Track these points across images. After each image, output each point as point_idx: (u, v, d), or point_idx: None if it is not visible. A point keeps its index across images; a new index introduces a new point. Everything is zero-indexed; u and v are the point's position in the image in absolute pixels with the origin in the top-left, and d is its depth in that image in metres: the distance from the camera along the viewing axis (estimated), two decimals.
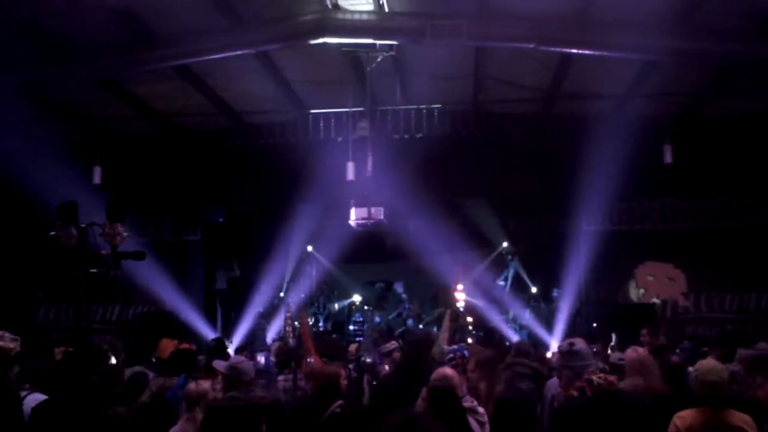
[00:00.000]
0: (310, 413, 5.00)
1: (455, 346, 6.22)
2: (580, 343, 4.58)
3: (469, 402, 4.83)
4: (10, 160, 11.17)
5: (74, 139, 12.39)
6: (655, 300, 13.55)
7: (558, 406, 4.50)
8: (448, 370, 4.92)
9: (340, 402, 5.03)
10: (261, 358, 8.03)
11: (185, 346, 7.59)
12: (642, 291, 13.86)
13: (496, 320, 14.17)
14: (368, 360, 8.14)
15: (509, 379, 6.56)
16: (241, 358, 6.24)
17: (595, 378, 4.27)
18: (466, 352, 5.95)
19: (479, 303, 14.38)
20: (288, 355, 8.50)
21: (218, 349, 9.22)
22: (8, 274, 13.62)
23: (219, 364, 6.08)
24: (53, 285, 13.83)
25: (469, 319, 13.41)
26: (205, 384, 5.21)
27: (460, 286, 13.06)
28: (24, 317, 14.43)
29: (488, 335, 13.06)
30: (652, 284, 13.79)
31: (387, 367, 7.62)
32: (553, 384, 5.61)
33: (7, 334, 5.08)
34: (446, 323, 9.13)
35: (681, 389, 5.14)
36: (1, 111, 10.74)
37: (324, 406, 4.96)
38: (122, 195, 10.46)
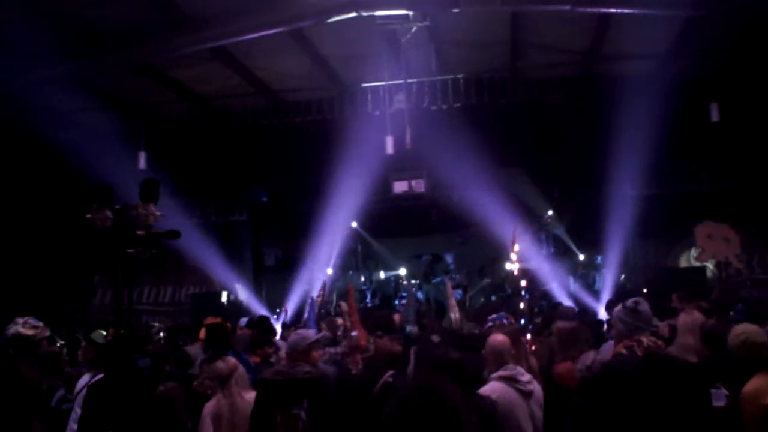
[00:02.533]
0: (361, 386, 5.02)
1: (494, 315, 6.20)
2: (644, 305, 4.52)
3: (510, 370, 4.83)
4: (62, 150, 11.49)
5: (120, 126, 12.65)
6: (708, 264, 13.29)
7: (606, 362, 4.46)
8: (500, 337, 4.96)
9: (391, 372, 5.07)
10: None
11: (214, 321, 7.73)
12: (699, 251, 13.61)
13: (550, 285, 14.07)
14: (413, 329, 8.18)
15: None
16: (300, 331, 6.31)
17: (645, 339, 4.22)
18: (505, 320, 5.96)
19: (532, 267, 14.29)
20: (334, 330, 8.63)
21: (262, 326, 9.36)
22: (67, 260, 14.05)
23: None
24: (108, 269, 14.22)
25: (523, 283, 13.32)
26: (232, 360, 5.32)
27: (516, 248, 12.90)
28: (82, 301, 14.95)
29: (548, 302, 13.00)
30: (709, 244, 13.52)
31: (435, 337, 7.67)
32: (606, 349, 5.60)
33: (31, 320, 5.24)
34: (448, 291, 9.22)
35: (722, 352, 5.04)
36: (49, 102, 11.06)
37: (375, 377, 4.97)
38: (163, 177, 10.64)
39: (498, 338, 4.98)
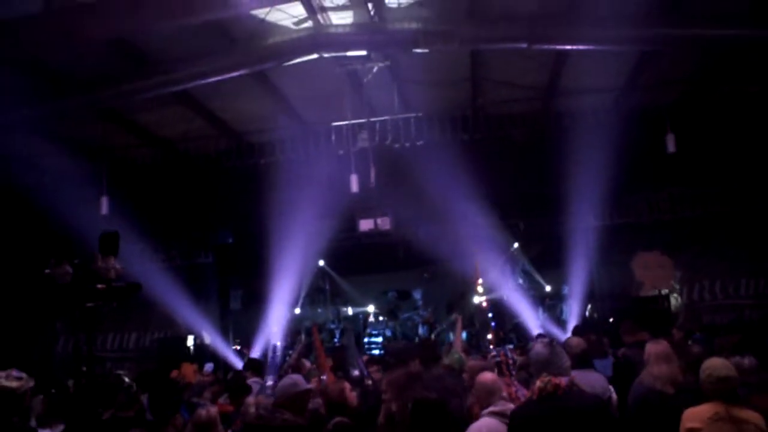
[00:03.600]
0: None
1: (498, 348, 6.24)
2: (539, 347, 4.58)
3: (501, 406, 4.82)
4: (24, 195, 11.33)
5: (83, 171, 12.51)
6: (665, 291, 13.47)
7: (512, 411, 4.53)
8: (489, 375, 4.95)
9: (336, 420, 5.02)
10: (269, 381, 7.95)
11: (189, 367, 7.60)
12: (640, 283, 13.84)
13: (520, 316, 14.15)
14: (355, 373, 8.12)
15: (524, 380, 6.56)
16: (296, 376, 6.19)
17: (538, 382, 4.28)
18: (509, 352, 5.96)
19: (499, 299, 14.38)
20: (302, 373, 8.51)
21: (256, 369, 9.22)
22: (30, 307, 13.73)
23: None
24: (68, 318, 13.94)
25: (490, 315, 13.42)
26: (213, 409, 5.23)
27: (480, 281, 12.95)
28: (44, 349, 14.58)
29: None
30: (647, 275, 13.75)
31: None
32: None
33: (14, 372, 5.05)
34: (458, 329, 9.15)
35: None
36: (10, 147, 10.90)
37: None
38: (128, 221, 10.55)
39: (487, 376, 4.99)
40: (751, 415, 4.53)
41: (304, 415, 5.09)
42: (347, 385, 5.49)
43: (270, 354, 9.95)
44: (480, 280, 12.76)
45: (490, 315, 13.36)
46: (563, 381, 4.26)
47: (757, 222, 13.09)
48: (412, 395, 4.58)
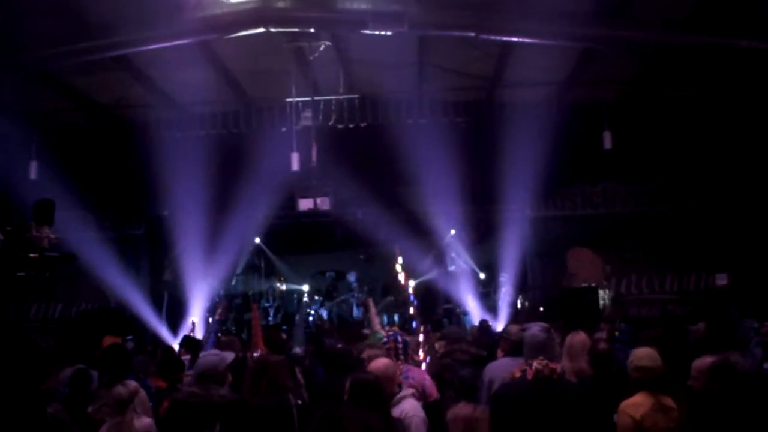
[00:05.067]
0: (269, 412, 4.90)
1: (391, 332, 6.24)
2: (537, 330, 4.68)
3: (405, 390, 4.88)
4: None
5: (12, 134, 12.03)
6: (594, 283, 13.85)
7: (497, 388, 4.60)
8: (382, 360, 4.96)
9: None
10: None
11: (113, 340, 7.39)
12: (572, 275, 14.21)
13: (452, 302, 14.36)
14: (298, 351, 8.10)
15: (449, 366, 6.66)
16: (214, 352, 6.08)
17: (535, 363, 4.36)
18: (400, 337, 5.99)
19: (429, 288, 14.53)
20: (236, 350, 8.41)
21: (193, 348, 9.03)
22: None
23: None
24: None
25: (410, 290, 13.56)
26: (132, 384, 5.13)
27: (400, 260, 13.04)
28: None
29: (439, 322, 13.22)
30: (579, 269, 14.12)
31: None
32: (491, 368, 5.69)
33: None
34: (372, 309, 9.27)
35: (606, 374, 5.27)
36: None
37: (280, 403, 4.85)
38: (58, 188, 10.22)
39: (379, 363, 4.94)
40: (671, 402, 4.71)
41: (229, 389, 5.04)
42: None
43: (204, 329, 9.80)
44: (399, 265, 12.87)
45: (412, 299, 13.50)
46: (559, 366, 4.37)
47: (684, 221, 13.58)
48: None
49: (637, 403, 4.65)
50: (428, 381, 5.70)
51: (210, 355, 5.43)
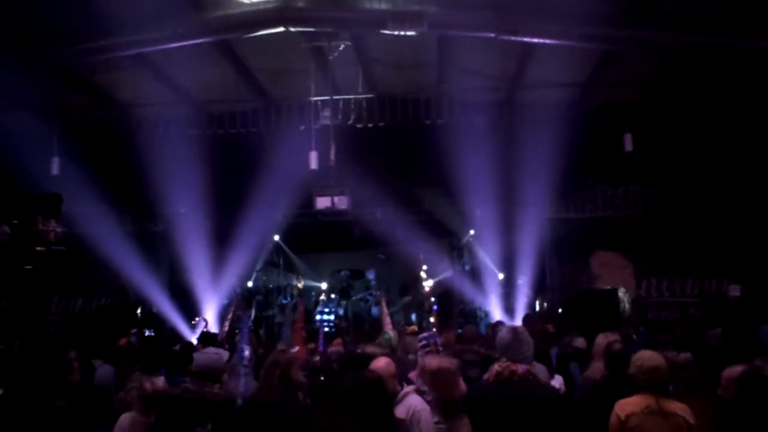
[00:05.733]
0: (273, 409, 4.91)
1: (427, 334, 6.20)
2: (505, 332, 4.64)
3: (407, 387, 4.86)
4: None
5: (34, 131, 12.16)
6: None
7: (467, 391, 4.59)
8: (382, 360, 4.93)
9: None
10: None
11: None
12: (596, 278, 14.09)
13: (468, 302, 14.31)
14: (316, 358, 8.05)
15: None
16: (214, 350, 6.12)
17: (496, 365, 4.34)
18: (437, 339, 5.95)
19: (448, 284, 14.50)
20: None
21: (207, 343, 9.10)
22: None
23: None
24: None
25: (432, 299, 13.55)
26: (160, 381, 5.15)
27: (424, 267, 13.05)
28: None
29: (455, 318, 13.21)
30: (605, 272, 14.01)
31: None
32: None
33: None
34: (383, 308, 9.23)
35: (620, 375, 5.24)
36: None
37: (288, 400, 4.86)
38: (79, 184, 10.30)
39: (380, 363, 4.90)
40: (679, 408, 4.67)
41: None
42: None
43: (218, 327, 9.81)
44: (424, 267, 12.85)
45: (432, 299, 13.46)
46: (520, 368, 4.32)
47: (704, 224, 13.38)
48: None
49: (629, 403, 4.65)
50: None
51: (208, 353, 5.47)
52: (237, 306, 11.55)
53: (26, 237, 3.36)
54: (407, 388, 4.83)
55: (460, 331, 10.23)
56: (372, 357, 5.21)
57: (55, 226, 3.49)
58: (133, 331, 10.24)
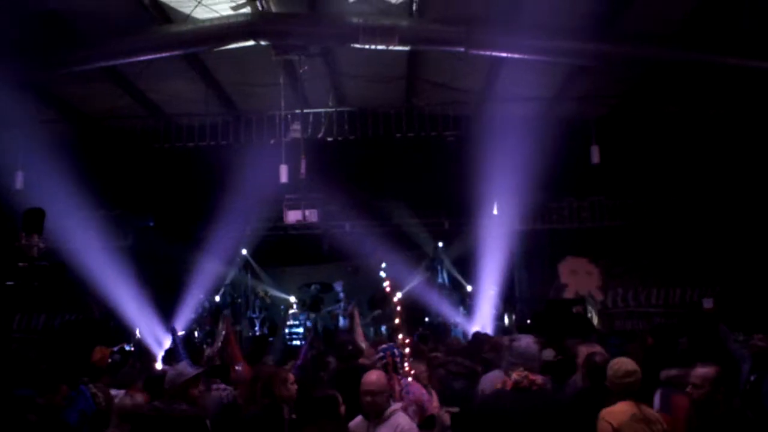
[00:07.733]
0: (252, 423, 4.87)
1: (385, 345, 6.11)
2: (520, 341, 4.68)
3: (395, 404, 4.85)
4: None
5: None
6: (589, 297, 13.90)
7: (479, 400, 4.63)
8: (374, 374, 4.92)
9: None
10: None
11: (102, 351, 7.32)
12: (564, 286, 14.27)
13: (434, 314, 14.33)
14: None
15: (443, 378, 6.63)
16: (183, 365, 6.02)
17: (515, 374, 4.39)
18: (396, 351, 5.83)
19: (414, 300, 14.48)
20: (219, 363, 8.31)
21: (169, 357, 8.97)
22: None
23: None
24: None
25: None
26: (139, 396, 5.08)
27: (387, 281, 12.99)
28: None
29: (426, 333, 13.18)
30: (573, 280, 14.19)
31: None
32: (485, 380, 5.69)
33: None
34: (356, 320, 9.19)
35: (600, 386, 5.29)
36: None
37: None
38: (43, 198, 10.09)
39: (371, 376, 4.91)
40: (658, 416, 4.76)
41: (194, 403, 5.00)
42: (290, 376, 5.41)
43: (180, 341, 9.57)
44: (383, 273, 12.84)
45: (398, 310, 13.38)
46: (539, 378, 4.38)
47: (669, 235, 13.66)
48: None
49: (617, 411, 4.67)
50: (425, 396, 5.65)
51: (172, 370, 5.39)
52: (206, 320, 11.41)
53: (8, 253, 3.29)
54: (394, 406, 4.80)
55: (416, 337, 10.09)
56: (364, 370, 5.21)
57: (38, 242, 3.43)
58: (115, 348, 10.03)
